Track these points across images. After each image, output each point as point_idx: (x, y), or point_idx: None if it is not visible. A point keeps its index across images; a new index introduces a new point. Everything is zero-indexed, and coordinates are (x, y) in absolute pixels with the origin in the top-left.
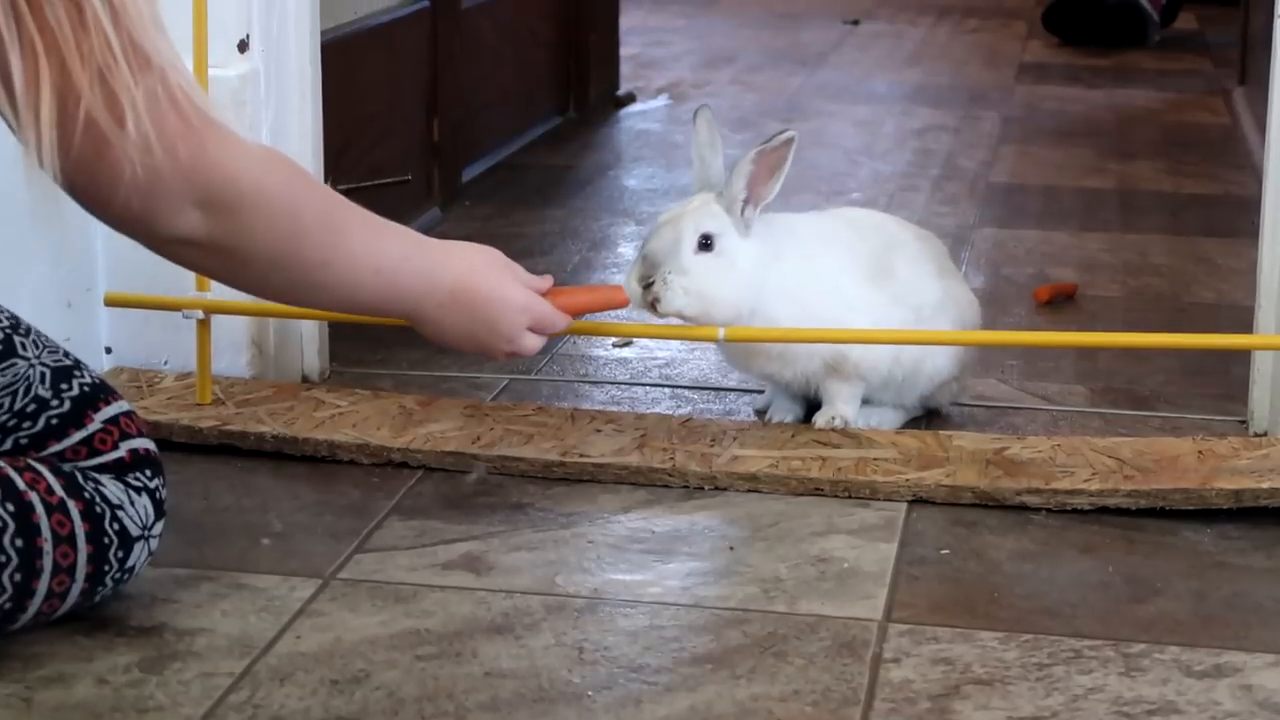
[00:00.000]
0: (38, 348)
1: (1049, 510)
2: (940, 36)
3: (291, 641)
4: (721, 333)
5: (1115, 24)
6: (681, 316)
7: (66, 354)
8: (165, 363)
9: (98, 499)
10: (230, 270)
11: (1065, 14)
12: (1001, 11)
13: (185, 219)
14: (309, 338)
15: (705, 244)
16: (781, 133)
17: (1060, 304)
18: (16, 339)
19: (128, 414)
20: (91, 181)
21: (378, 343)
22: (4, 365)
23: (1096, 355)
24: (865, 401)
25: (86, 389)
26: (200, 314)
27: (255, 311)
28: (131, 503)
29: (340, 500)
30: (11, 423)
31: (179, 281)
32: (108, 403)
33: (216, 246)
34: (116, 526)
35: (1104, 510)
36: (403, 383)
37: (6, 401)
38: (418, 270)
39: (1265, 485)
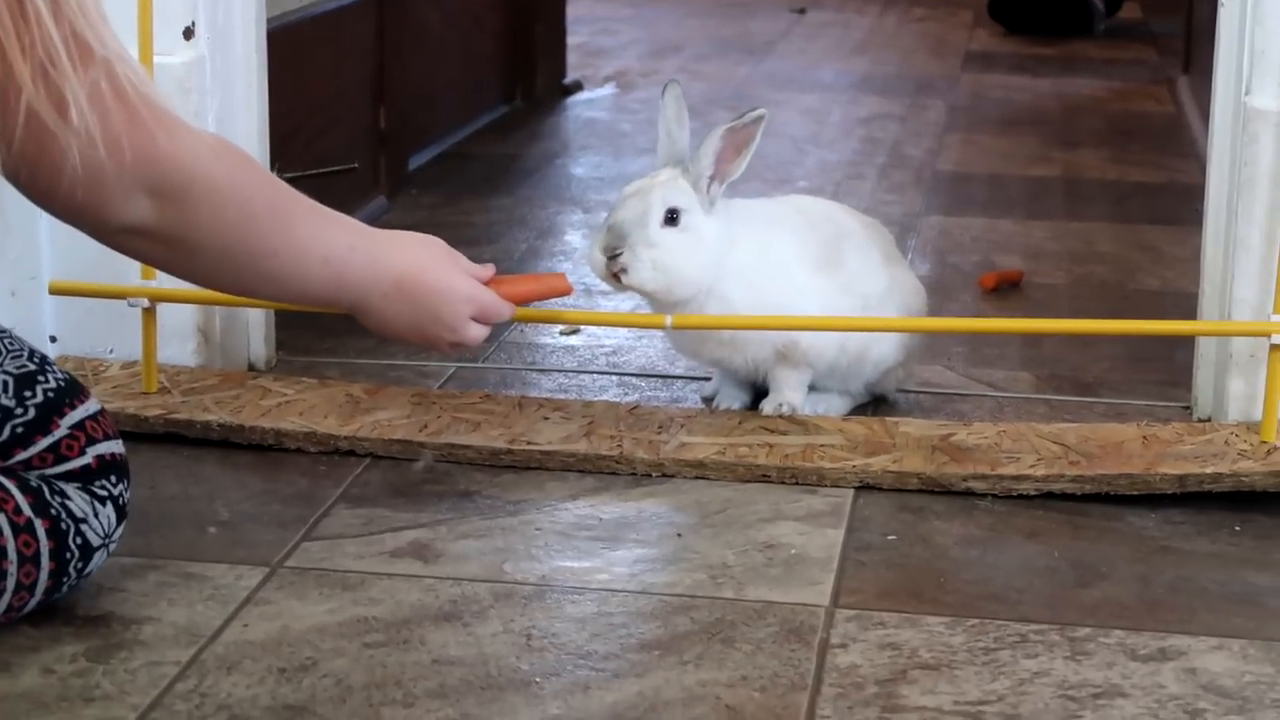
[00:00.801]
0: (3, 355)
1: (995, 496)
2: (887, 25)
3: (239, 630)
4: (669, 319)
5: (1060, 13)
6: (643, 291)
7: (33, 355)
8: (110, 351)
9: (63, 515)
10: (178, 260)
11: (1011, 3)
12: (948, 1)
13: (133, 208)
14: (255, 326)
15: (672, 218)
16: (752, 110)
17: (1006, 291)
18: None
19: (94, 416)
20: (34, 174)
21: (325, 331)
22: None
23: (1041, 342)
24: (811, 388)
25: (51, 394)
26: (145, 302)
27: (201, 300)
28: (95, 514)
29: (287, 489)
30: None
31: (124, 270)
32: (74, 406)
33: (165, 236)
34: (79, 540)
35: (1049, 496)
36: (350, 371)
37: None
38: (363, 261)
39: (1209, 470)
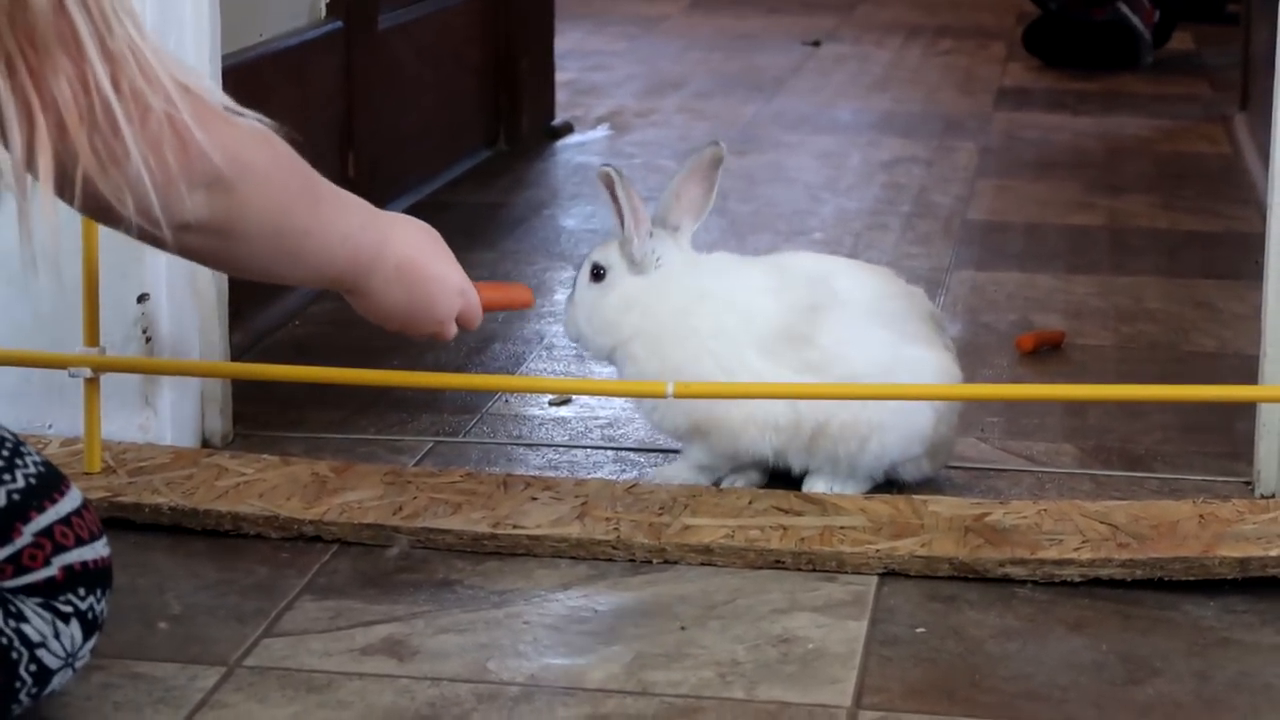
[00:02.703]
0: None
1: (1035, 583)
2: (910, 59)
3: None
4: (670, 388)
5: (1104, 44)
6: (575, 343)
7: (3, 444)
8: (49, 427)
9: (16, 642)
10: (225, 249)
11: (1048, 33)
12: (978, 31)
13: (191, 204)
14: (210, 397)
15: (597, 274)
16: (708, 145)
17: (1045, 354)
18: None
19: (67, 519)
20: (97, 211)
21: (286, 402)
22: None
23: (1086, 411)
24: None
25: (16, 496)
26: (88, 372)
27: (149, 369)
28: (57, 634)
29: (246, 579)
30: None
31: (64, 337)
32: (42, 509)
33: (216, 227)
34: (34, 668)
35: (1096, 582)
36: (315, 447)
37: None
38: (372, 241)
39: (1273, 553)
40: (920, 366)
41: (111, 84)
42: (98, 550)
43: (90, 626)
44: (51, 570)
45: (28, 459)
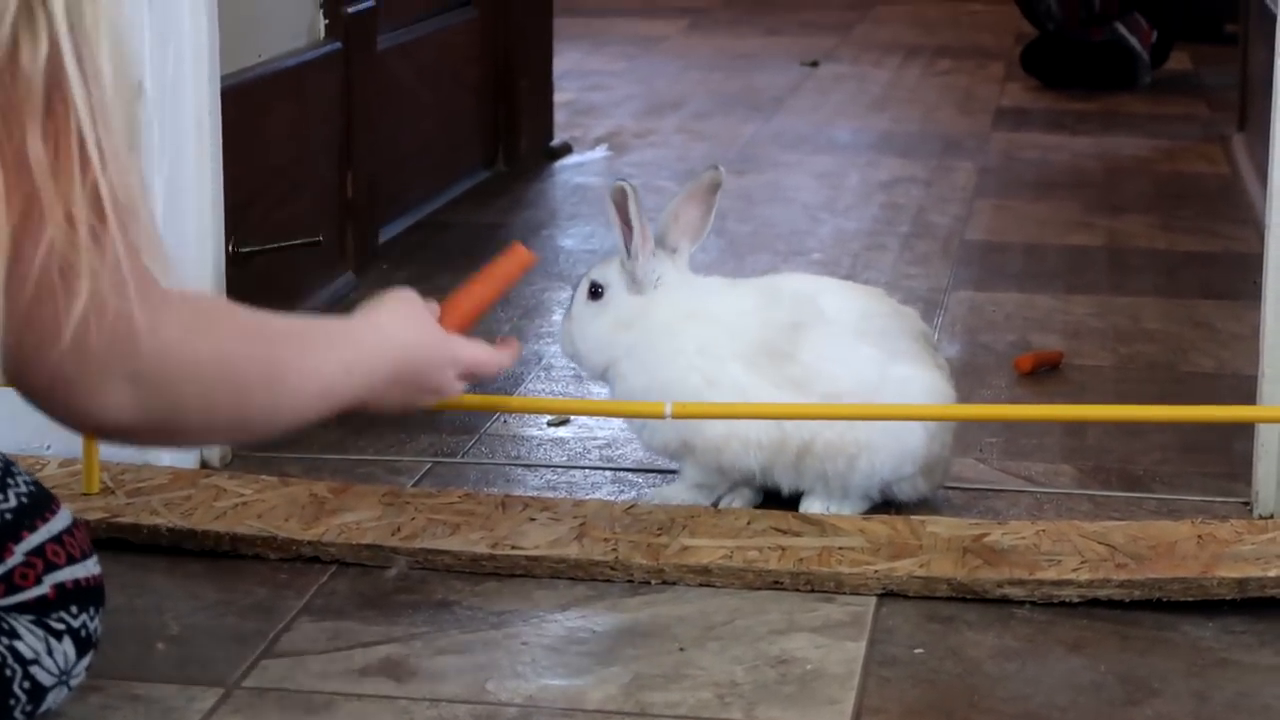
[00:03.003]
0: None
1: (1034, 603)
2: (908, 79)
3: None
4: (668, 408)
5: (1101, 64)
6: (570, 360)
7: None
8: (48, 448)
9: (9, 659)
10: (164, 440)
11: (1046, 54)
12: (976, 51)
13: (112, 395)
14: None
15: (595, 293)
16: (709, 170)
17: (1044, 374)
18: None
19: (59, 537)
20: (20, 339)
21: None
22: None
23: (1085, 431)
24: (805, 494)
25: (8, 516)
26: None
27: None
28: (50, 651)
29: (244, 600)
30: None
31: None
32: (34, 528)
33: (150, 426)
34: (28, 685)
35: (1095, 603)
36: (313, 467)
37: None
38: (361, 377)
39: (1272, 573)
40: (908, 385)
41: (98, 167)
42: (89, 568)
43: (84, 644)
44: (43, 589)
45: (19, 479)
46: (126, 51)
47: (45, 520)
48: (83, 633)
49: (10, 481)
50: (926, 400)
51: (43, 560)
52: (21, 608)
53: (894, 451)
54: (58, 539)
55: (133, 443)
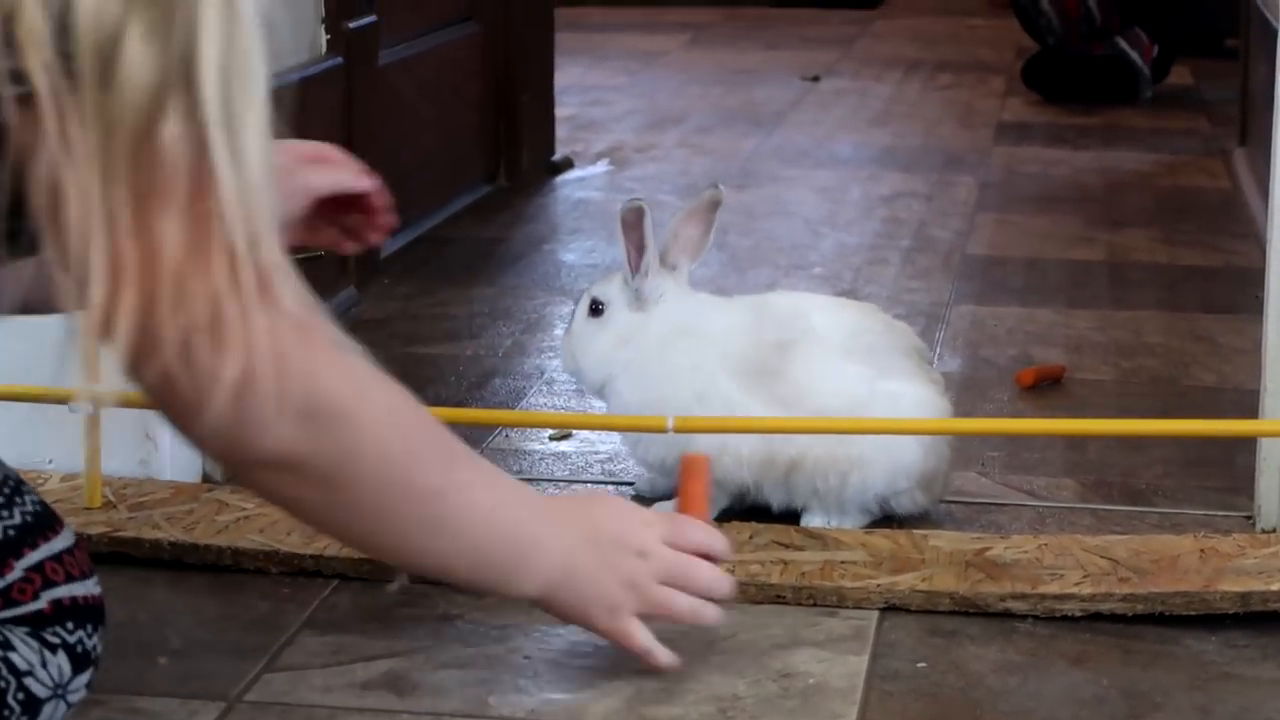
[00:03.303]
0: None
1: (1036, 617)
2: (910, 94)
3: None
4: (670, 422)
5: (1102, 79)
6: (571, 376)
7: (5, 483)
8: (50, 462)
9: (3, 670)
10: (325, 503)
11: (1047, 68)
12: (977, 66)
13: (283, 433)
14: None
15: (595, 309)
16: (709, 189)
17: (1045, 388)
18: None
19: (59, 556)
20: (174, 395)
21: None
22: None
23: (1086, 445)
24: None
25: (12, 532)
26: (89, 407)
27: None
28: (44, 663)
29: (246, 614)
30: None
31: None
32: (36, 546)
33: (319, 469)
34: (21, 696)
35: (1097, 616)
36: None
37: None
38: (540, 514)
39: (1275, 587)
40: (898, 401)
41: (230, 265)
42: (88, 588)
43: (80, 660)
44: (40, 604)
45: (26, 498)
46: (271, 131)
47: (47, 539)
48: (79, 648)
49: (18, 500)
50: (918, 414)
51: (41, 576)
52: (18, 621)
53: (887, 466)
54: (57, 557)
55: (298, 499)
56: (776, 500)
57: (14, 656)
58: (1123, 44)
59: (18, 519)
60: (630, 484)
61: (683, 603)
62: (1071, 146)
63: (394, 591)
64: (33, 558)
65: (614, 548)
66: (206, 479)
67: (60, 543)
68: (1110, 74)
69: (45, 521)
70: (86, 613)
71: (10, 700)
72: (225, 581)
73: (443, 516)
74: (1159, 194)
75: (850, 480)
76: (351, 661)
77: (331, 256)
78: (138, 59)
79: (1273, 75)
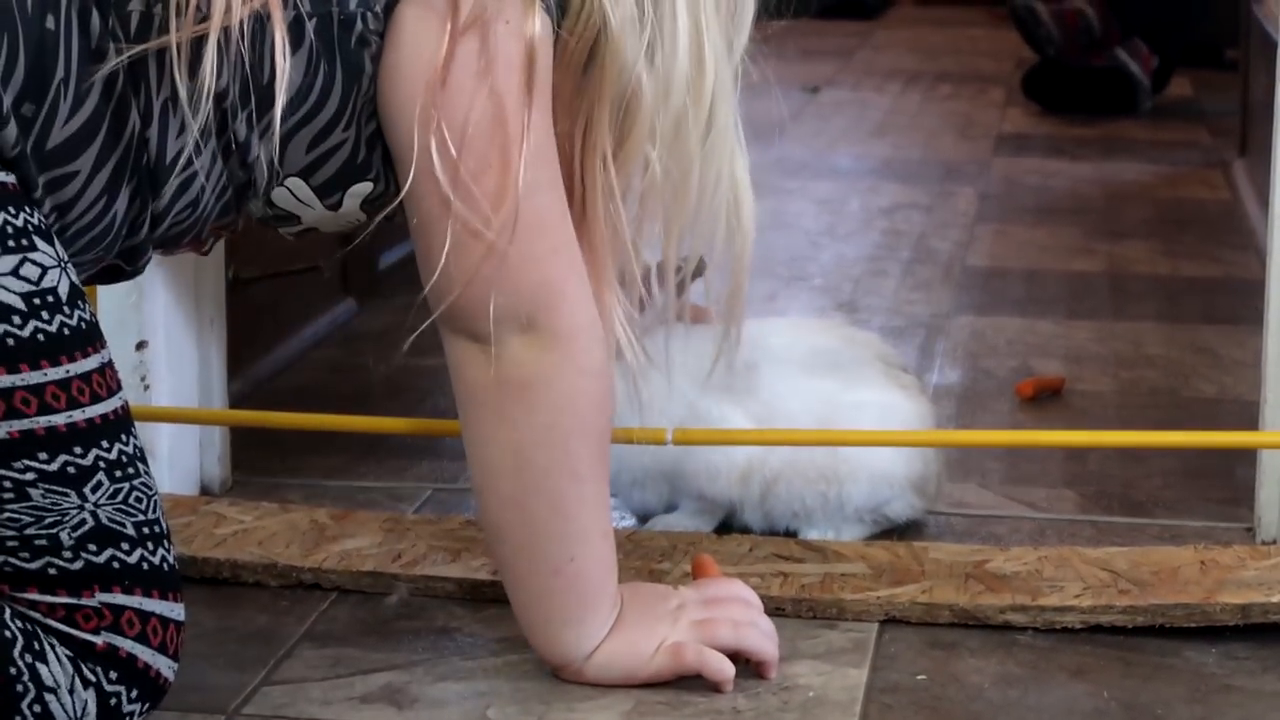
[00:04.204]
0: (112, 497)
1: (1036, 629)
2: (909, 105)
3: None
4: (669, 434)
5: (1102, 90)
6: None
7: (152, 526)
8: None
9: (26, 676)
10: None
11: (1047, 80)
12: (977, 77)
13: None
14: (209, 444)
15: None
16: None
17: (1045, 400)
18: (98, 477)
19: (144, 616)
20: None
21: (286, 449)
22: (57, 488)
23: (1086, 456)
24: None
25: (116, 565)
26: None
27: (147, 416)
28: (70, 690)
29: (244, 627)
30: (12, 543)
31: None
32: (131, 593)
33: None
34: (38, 709)
35: (1097, 629)
36: (314, 494)
37: (26, 519)
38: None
39: (1275, 599)
40: (862, 410)
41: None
42: (158, 662)
43: (107, 714)
44: (95, 639)
45: (160, 550)
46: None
47: (150, 596)
48: (112, 700)
49: (150, 546)
50: (886, 422)
51: (115, 617)
52: (66, 640)
53: (864, 477)
54: (144, 616)
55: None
56: (756, 523)
57: (43, 669)
58: (1122, 55)
59: (134, 560)
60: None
61: (726, 631)
62: (1071, 158)
63: (393, 605)
64: (118, 599)
65: (653, 597)
66: (205, 491)
67: (159, 607)
68: (1110, 85)
69: (160, 581)
70: (140, 678)
71: (25, 709)
72: (223, 594)
73: (569, 505)
74: (1159, 205)
75: (829, 496)
76: (350, 674)
77: (330, 269)
78: None
79: (1273, 87)
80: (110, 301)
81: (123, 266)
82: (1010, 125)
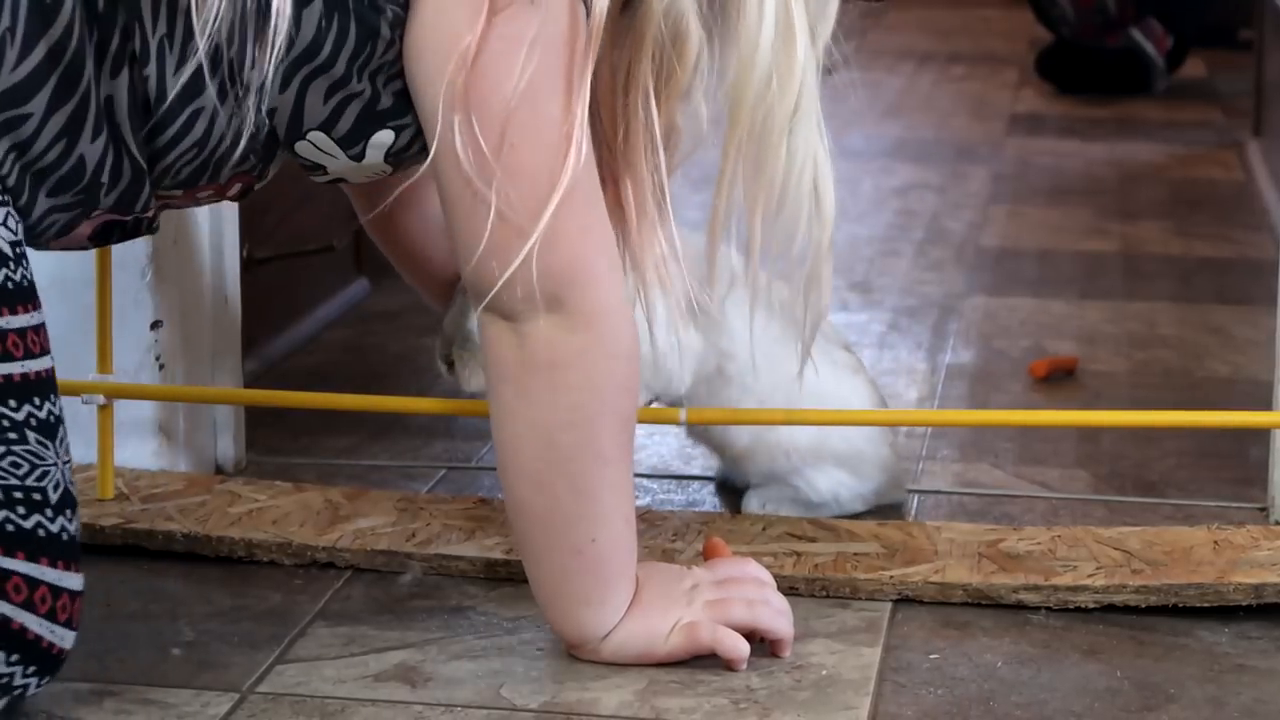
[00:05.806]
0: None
1: (1049, 609)
2: (922, 85)
3: None
4: (683, 414)
5: (1116, 70)
6: None
7: (24, 488)
8: None
9: None
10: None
11: (1060, 60)
12: (990, 57)
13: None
14: (223, 424)
15: None
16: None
17: (1059, 380)
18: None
19: (34, 584)
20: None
21: (300, 429)
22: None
23: (1100, 436)
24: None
25: (10, 529)
26: (101, 399)
27: (164, 395)
28: None
29: (259, 605)
30: None
31: (77, 365)
32: (33, 560)
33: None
34: None
35: (1110, 608)
36: (328, 473)
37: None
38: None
39: None
40: (832, 396)
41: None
42: (57, 634)
43: None
44: None
45: (60, 517)
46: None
47: (53, 566)
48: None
49: (48, 513)
50: (816, 403)
51: (3, 584)
52: None
53: (816, 459)
54: (35, 585)
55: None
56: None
57: None
58: (1137, 35)
59: (29, 525)
60: (644, 475)
61: (740, 609)
62: (1084, 138)
63: (406, 583)
64: (13, 564)
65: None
66: (220, 470)
67: (57, 577)
68: (1124, 66)
69: (63, 550)
70: (29, 649)
71: None
72: (238, 573)
73: (591, 485)
74: (1172, 185)
75: (792, 479)
76: (364, 653)
77: (344, 248)
78: None
79: None
80: (125, 281)
81: (120, 219)
82: (1023, 106)
